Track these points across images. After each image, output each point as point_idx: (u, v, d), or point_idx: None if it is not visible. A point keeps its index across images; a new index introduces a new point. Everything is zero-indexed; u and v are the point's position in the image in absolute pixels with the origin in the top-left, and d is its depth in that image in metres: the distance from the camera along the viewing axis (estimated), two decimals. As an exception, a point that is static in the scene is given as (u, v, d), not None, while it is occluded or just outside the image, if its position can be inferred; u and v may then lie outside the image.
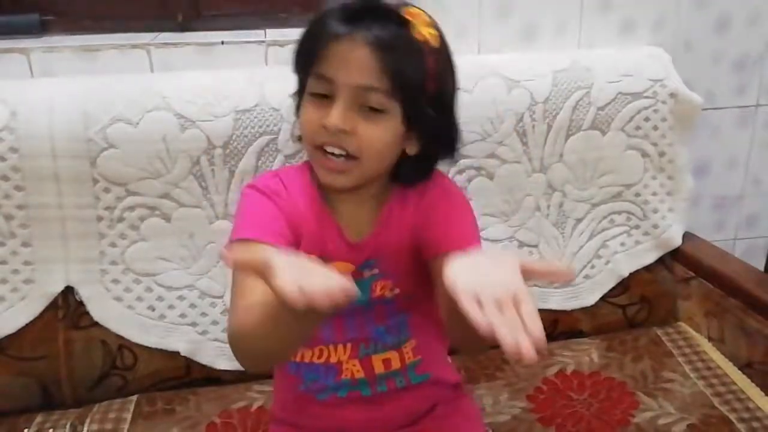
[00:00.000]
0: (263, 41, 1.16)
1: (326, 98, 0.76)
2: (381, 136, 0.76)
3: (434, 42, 0.76)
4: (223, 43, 1.15)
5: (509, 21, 1.23)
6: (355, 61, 0.73)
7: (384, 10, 0.75)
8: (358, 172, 0.78)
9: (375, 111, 0.75)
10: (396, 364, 0.87)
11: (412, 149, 0.80)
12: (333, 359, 0.85)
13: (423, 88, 0.76)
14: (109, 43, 1.12)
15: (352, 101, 0.75)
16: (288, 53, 1.23)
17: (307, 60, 0.78)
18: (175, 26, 1.21)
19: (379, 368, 0.86)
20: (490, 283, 0.51)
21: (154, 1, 1.22)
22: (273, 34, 1.20)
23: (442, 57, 0.78)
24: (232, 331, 0.70)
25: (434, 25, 0.77)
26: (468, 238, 0.80)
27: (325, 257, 0.80)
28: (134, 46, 1.12)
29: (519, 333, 0.47)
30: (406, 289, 0.85)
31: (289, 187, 0.82)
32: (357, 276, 0.82)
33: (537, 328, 0.48)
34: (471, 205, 0.87)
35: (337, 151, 0.76)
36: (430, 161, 0.84)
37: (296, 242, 0.79)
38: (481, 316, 0.48)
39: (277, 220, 0.78)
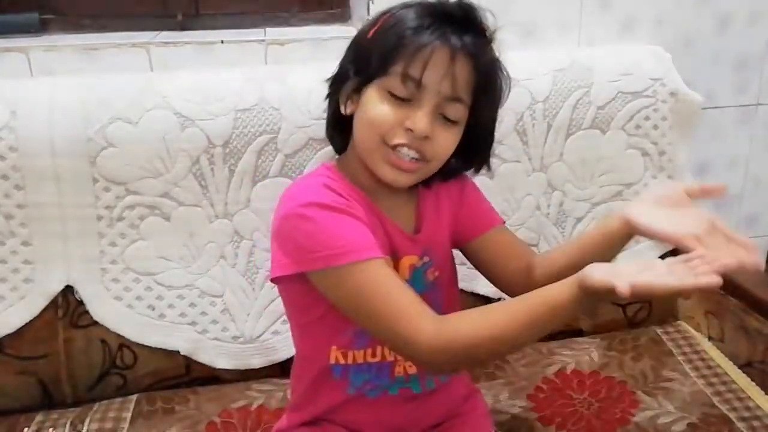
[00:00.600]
0: (263, 40, 1.16)
1: (405, 100, 0.74)
2: (452, 144, 0.78)
3: (499, 58, 0.78)
4: (222, 42, 1.15)
5: (508, 20, 1.22)
6: (451, 71, 0.73)
7: (477, 19, 0.76)
8: (422, 174, 0.79)
9: (448, 120, 0.76)
10: None
11: None
12: (389, 357, 0.83)
13: (492, 106, 0.79)
14: (108, 42, 1.12)
15: (435, 108, 0.74)
16: (288, 52, 1.22)
17: (388, 55, 0.74)
18: (174, 25, 1.22)
19: None
20: (689, 222, 0.68)
21: (154, 0, 1.22)
22: (273, 33, 1.20)
23: (507, 75, 0.80)
24: (464, 339, 0.68)
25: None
26: (495, 214, 0.91)
27: (395, 254, 0.81)
28: (134, 45, 1.12)
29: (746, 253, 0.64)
30: (445, 271, 0.87)
31: (343, 194, 0.77)
32: (414, 267, 0.83)
33: (746, 238, 0.65)
34: None
35: (412, 153, 0.75)
36: (462, 164, 0.86)
37: None
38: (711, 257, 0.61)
39: (368, 233, 0.74)
